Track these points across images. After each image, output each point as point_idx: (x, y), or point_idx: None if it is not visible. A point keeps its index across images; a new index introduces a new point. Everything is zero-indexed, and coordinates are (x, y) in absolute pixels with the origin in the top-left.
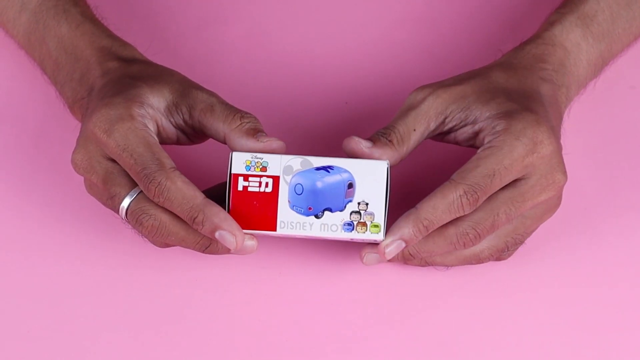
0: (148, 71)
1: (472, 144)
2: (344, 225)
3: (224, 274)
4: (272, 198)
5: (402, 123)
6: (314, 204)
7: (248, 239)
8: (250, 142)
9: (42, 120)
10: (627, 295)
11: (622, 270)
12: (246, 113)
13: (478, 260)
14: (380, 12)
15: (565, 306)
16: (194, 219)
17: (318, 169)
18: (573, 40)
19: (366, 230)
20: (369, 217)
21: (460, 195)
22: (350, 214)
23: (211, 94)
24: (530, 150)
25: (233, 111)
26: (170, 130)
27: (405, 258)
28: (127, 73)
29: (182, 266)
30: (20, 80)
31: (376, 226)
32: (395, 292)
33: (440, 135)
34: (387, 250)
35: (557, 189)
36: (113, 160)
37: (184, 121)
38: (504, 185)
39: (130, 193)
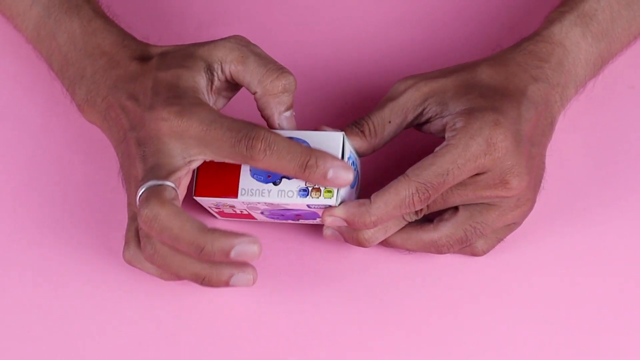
0: (171, 56)
1: (443, 136)
2: (300, 191)
3: None
4: (235, 167)
5: (377, 115)
6: (272, 172)
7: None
8: (271, 120)
9: (42, 120)
10: (627, 295)
11: (621, 269)
12: (284, 77)
13: (437, 248)
14: (379, 12)
15: (566, 305)
16: (307, 162)
17: None
18: (572, 39)
19: (320, 195)
20: None
21: (412, 193)
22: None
23: (235, 42)
24: (483, 151)
25: (269, 74)
26: (211, 100)
27: (360, 243)
28: (155, 67)
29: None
30: (22, 79)
31: (329, 191)
32: (394, 292)
33: (418, 126)
34: (327, 219)
35: (508, 191)
36: (165, 155)
37: (218, 78)
38: (456, 182)
39: (153, 181)
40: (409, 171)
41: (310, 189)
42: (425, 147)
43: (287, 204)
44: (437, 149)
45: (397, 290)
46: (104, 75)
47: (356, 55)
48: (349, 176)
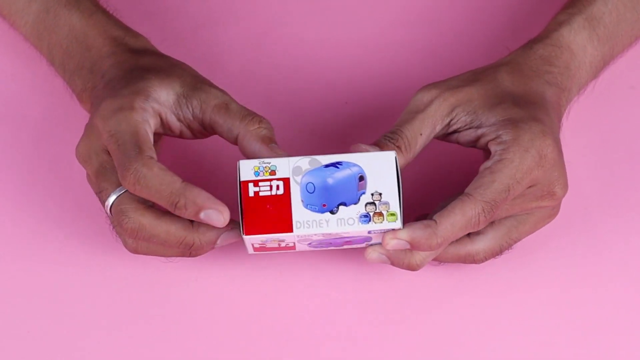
0: (159, 63)
1: (474, 146)
2: (360, 217)
3: (224, 273)
4: (284, 200)
5: (409, 128)
6: (328, 201)
7: (216, 213)
8: (264, 149)
9: (42, 120)
10: (627, 295)
11: (622, 270)
12: (262, 118)
13: (472, 261)
14: (380, 11)
15: (566, 306)
16: (176, 204)
17: (327, 166)
18: (580, 42)
19: (383, 219)
20: (384, 206)
21: (479, 213)
22: (365, 205)
23: (224, 92)
24: (536, 163)
25: (250, 114)
26: (175, 125)
27: (411, 267)
28: (138, 65)
29: (182, 266)
30: (21, 79)
31: (393, 214)
32: (395, 292)
33: (443, 136)
34: (390, 242)
35: (553, 201)
36: (109, 154)
37: (193, 115)
38: (514, 197)
39: (116, 191)
40: (472, 190)
41: (371, 214)
42: (432, 152)
43: (348, 232)
44: (488, 164)
45: (400, 292)
46: (100, 65)
47: (357, 56)
48: (220, 219)
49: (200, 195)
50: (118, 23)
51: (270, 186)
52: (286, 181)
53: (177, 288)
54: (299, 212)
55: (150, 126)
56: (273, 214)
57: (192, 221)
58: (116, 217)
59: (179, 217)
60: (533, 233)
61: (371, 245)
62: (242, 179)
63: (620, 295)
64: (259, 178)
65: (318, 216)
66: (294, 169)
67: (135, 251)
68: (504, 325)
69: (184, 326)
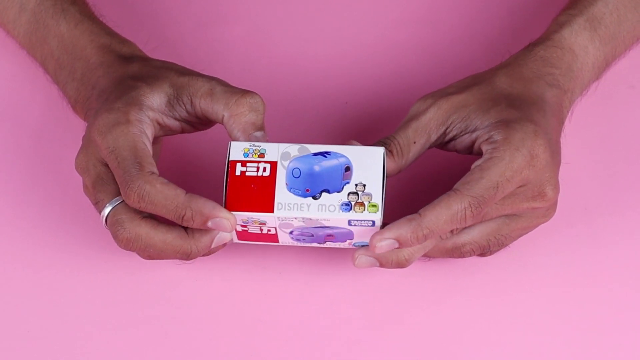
0: (147, 68)
1: (470, 152)
2: (342, 205)
3: (224, 274)
4: (269, 181)
5: (402, 135)
6: (312, 186)
7: (223, 220)
8: (242, 139)
9: (42, 120)
10: (627, 295)
11: (622, 270)
12: (249, 95)
13: (460, 254)
14: (380, 12)
15: (565, 306)
16: (183, 216)
17: (315, 154)
18: (581, 43)
19: (364, 210)
20: (366, 197)
21: (465, 207)
22: (348, 194)
23: (211, 78)
24: (527, 162)
25: (234, 94)
26: (173, 124)
27: (400, 264)
28: (127, 73)
29: (182, 266)
30: (21, 80)
31: (374, 206)
32: (394, 292)
33: (441, 145)
34: (378, 245)
35: (544, 202)
36: (107, 166)
37: (187, 111)
38: (504, 195)
39: (112, 202)
40: (459, 186)
41: (353, 203)
42: (429, 158)
43: (328, 219)
44: (478, 162)
45: (399, 292)
46: (90, 77)
47: (356, 56)
48: (227, 226)
49: (205, 206)
50: (105, 29)
51: (257, 167)
52: (273, 164)
53: (177, 288)
54: (282, 194)
55: (147, 137)
56: (256, 193)
57: (186, 229)
58: (112, 227)
59: (174, 226)
60: (527, 234)
61: (357, 247)
62: (230, 159)
63: (619, 295)
64: (247, 159)
65: (300, 200)
66: (283, 154)
67: (149, 258)
68: (504, 324)
69: (184, 326)
